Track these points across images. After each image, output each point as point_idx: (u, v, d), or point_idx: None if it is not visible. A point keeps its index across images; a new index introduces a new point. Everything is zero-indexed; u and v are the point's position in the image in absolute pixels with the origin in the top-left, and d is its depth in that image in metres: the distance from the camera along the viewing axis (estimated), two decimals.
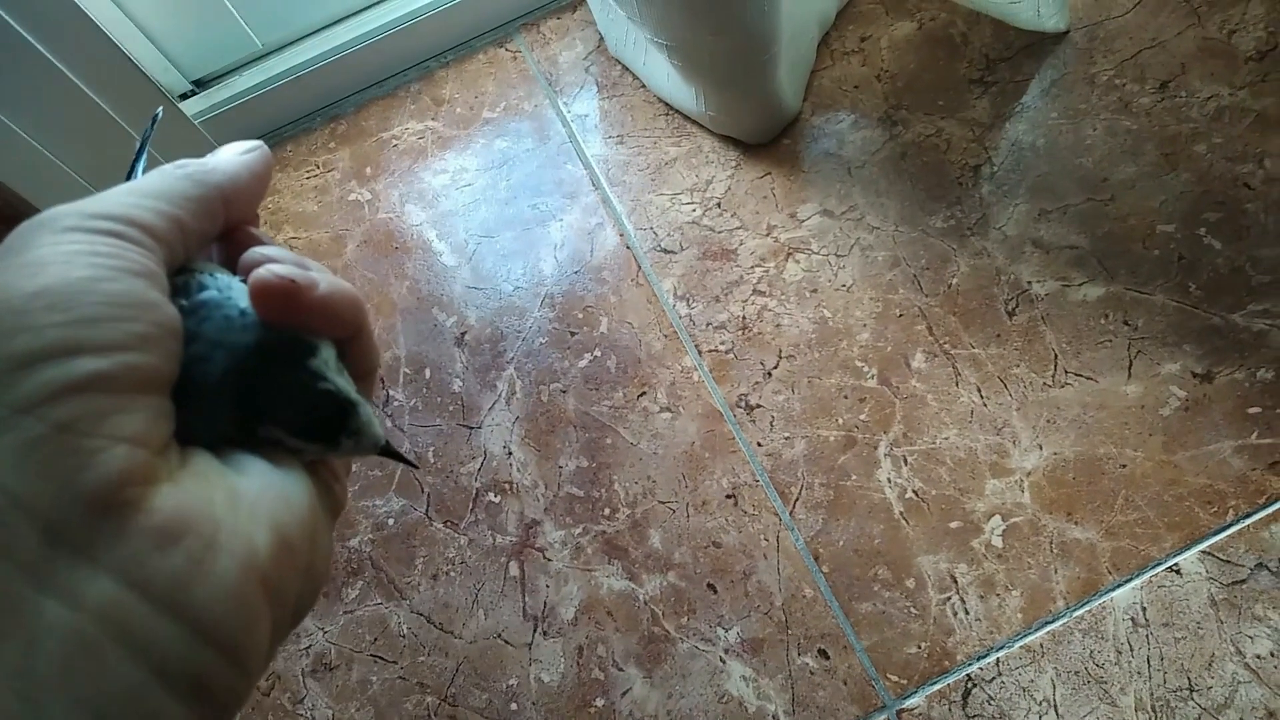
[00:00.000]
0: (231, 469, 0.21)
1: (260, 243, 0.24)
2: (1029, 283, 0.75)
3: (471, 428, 0.78)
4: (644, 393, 0.77)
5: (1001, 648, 0.65)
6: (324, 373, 0.22)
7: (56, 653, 0.16)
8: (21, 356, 0.17)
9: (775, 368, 0.76)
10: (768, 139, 0.84)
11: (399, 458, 0.26)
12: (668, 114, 0.88)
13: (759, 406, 0.74)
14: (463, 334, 0.81)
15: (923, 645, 0.66)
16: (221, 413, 0.21)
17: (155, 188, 0.21)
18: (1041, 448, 0.70)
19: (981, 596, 0.66)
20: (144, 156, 0.29)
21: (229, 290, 0.22)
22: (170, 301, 0.20)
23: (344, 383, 0.22)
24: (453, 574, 0.73)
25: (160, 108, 0.37)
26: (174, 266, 0.21)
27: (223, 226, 0.23)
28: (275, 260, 0.22)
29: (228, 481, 0.20)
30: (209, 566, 0.18)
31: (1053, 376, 0.72)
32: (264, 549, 0.19)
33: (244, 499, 0.20)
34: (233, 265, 0.23)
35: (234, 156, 0.23)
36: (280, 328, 0.21)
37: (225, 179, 0.23)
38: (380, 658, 0.71)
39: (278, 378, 0.21)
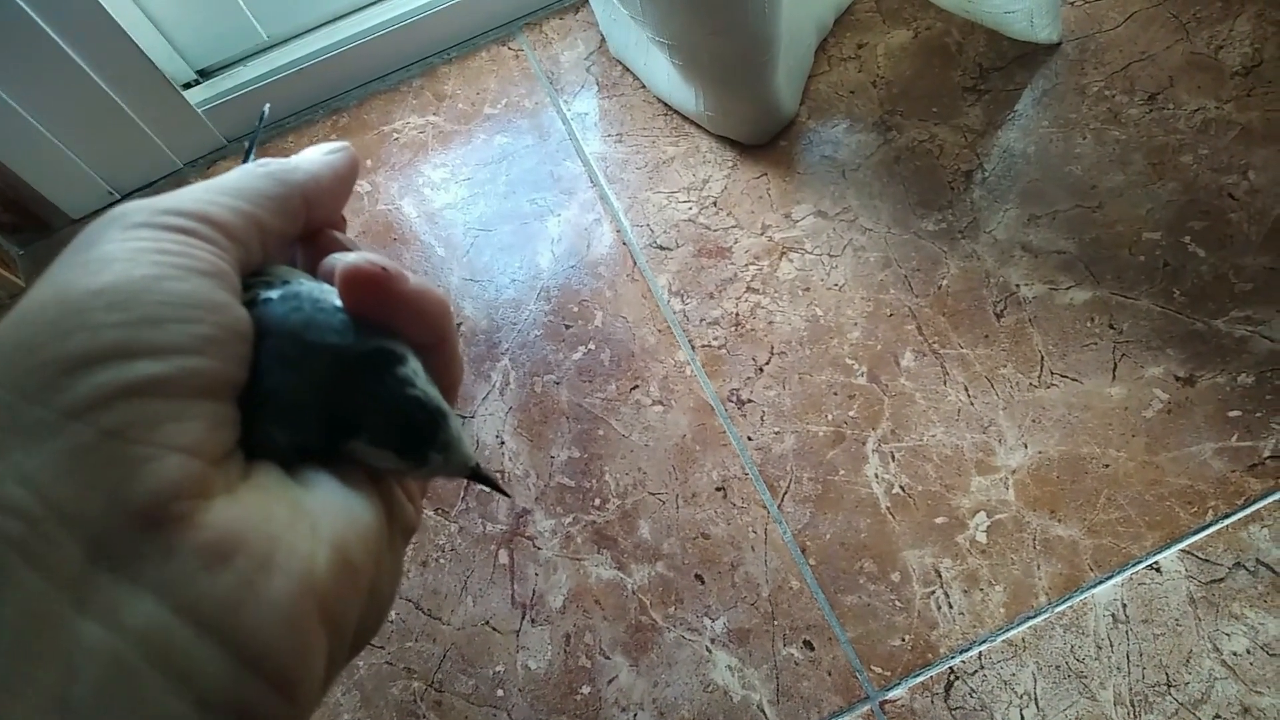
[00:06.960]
0: (297, 483, 0.19)
1: (344, 247, 0.23)
2: (1017, 285, 0.76)
3: (465, 417, 0.78)
4: (636, 386, 0.77)
5: (984, 641, 0.66)
6: (413, 380, 0.20)
7: (93, 679, 0.15)
8: (77, 357, 0.16)
9: (767, 364, 0.77)
10: (764, 140, 0.85)
11: (491, 484, 0.23)
12: (666, 114, 0.89)
13: (750, 401, 0.75)
14: (458, 325, 0.82)
15: (906, 638, 0.67)
16: (299, 421, 0.19)
17: (232, 185, 0.20)
18: (1026, 446, 0.71)
19: (965, 591, 0.67)
20: (253, 151, 0.28)
21: (310, 291, 0.20)
22: (242, 302, 0.19)
23: (433, 392, 0.21)
24: (442, 561, 0.74)
25: (267, 104, 0.37)
26: (250, 267, 0.20)
27: (304, 228, 0.22)
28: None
29: (291, 495, 0.18)
30: (261, 588, 0.16)
31: (1039, 377, 0.73)
32: (323, 569, 0.17)
33: (306, 515, 0.18)
34: (316, 270, 0.22)
35: (317, 156, 0.23)
36: (365, 331, 0.20)
37: (307, 178, 0.22)
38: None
39: (363, 384, 0.20)
